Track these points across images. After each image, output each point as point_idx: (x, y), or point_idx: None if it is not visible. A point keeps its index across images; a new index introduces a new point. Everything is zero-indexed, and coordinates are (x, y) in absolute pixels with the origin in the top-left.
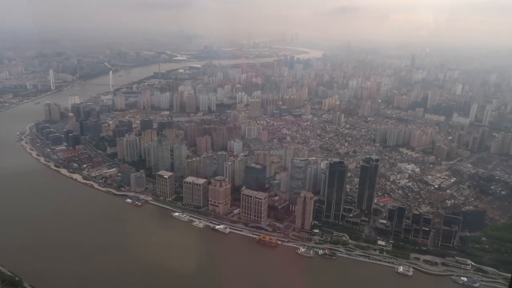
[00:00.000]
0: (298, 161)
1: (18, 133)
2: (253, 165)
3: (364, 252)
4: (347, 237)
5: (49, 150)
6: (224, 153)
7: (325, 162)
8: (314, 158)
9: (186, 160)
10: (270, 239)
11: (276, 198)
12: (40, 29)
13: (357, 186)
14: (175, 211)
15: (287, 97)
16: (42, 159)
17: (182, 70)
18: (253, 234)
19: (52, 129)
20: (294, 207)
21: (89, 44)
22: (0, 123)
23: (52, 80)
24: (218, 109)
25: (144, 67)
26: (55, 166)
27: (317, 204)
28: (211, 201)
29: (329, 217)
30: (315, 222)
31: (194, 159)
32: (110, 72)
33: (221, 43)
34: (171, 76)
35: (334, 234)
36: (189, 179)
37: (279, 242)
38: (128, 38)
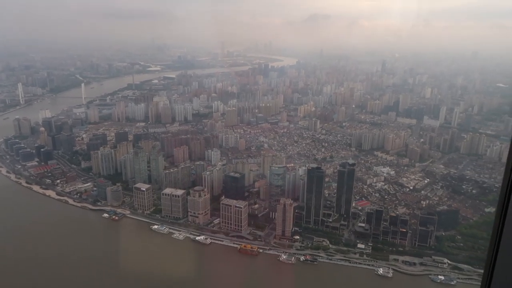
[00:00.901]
0: (276, 168)
1: None
2: (232, 174)
3: (344, 256)
4: (328, 242)
5: (19, 166)
6: (202, 163)
7: (303, 168)
8: (292, 164)
9: (163, 172)
10: (252, 247)
11: (256, 206)
12: (5, 42)
13: (335, 190)
14: (154, 224)
15: (263, 105)
16: (12, 176)
17: (156, 81)
18: (234, 243)
19: (23, 145)
20: (274, 215)
21: (59, 56)
22: None
23: (21, 94)
24: (195, 119)
25: (117, 78)
26: (27, 182)
27: (296, 211)
28: (190, 212)
29: (309, 223)
30: (296, 228)
31: (171, 170)
32: (82, 85)
33: (195, 53)
34: (145, 87)
35: (314, 240)
36: (167, 190)
37: (261, 251)
38: (99, 50)
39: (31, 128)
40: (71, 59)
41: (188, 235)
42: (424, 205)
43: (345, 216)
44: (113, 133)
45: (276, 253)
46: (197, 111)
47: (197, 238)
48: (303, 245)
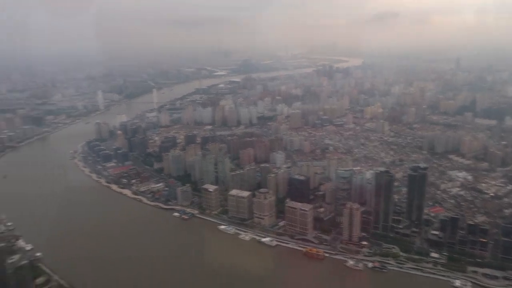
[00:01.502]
0: (343, 171)
1: (71, 151)
2: (297, 176)
3: (416, 265)
4: (398, 249)
5: (100, 167)
6: (267, 165)
7: (371, 171)
8: (359, 168)
9: (230, 173)
10: (317, 251)
11: (322, 209)
12: (86, 53)
13: (405, 196)
14: (221, 224)
15: (328, 106)
16: (94, 176)
17: (222, 85)
18: (299, 246)
19: (102, 147)
20: (341, 219)
21: (133, 64)
22: (55, 142)
23: (100, 100)
24: (259, 121)
25: (185, 83)
26: (106, 182)
27: (364, 215)
28: (256, 213)
29: (377, 229)
30: (363, 234)
31: (238, 172)
32: (154, 90)
33: (259, 57)
34: (212, 91)
35: (383, 246)
36: (234, 192)
37: (327, 255)
38: (169, 57)
39: (109, 132)
40: (144, 67)
41: (254, 236)
42: (507, 214)
43: (416, 222)
44: (182, 135)
45: (343, 258)
46: (261, 114)
47: (263, 239)
48: (371, 251)
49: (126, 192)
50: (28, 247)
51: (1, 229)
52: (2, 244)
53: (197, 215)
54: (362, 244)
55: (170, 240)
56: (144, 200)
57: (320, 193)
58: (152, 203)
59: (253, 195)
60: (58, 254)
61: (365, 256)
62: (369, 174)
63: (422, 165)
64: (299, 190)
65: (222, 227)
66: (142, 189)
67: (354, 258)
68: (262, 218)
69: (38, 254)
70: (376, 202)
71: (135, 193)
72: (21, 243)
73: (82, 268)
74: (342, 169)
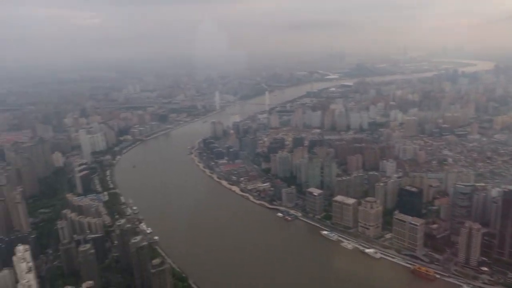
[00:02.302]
0: (462, 186)
1: (189, 147)
2: (408, 188)
3: None
4: None
5: (213, 163)
6: (375, 173)
7: (497, 189)
8: (483, 184)
9: (336, 179)
10: (427, 271)
11: (435, 226)
12: (207, 56)
13: None
14: (323, 229)
15: (449, 114)
16: (207, 171)
17: (333, 89)
18: (406, 262)
19: (216, 145)
20: (457, 239)
21: (248, 67)
22: (176, 138)
23: (217, 101)
24: (370, 127)
25: (297, 86)
26: (218, 178)
27: (486, 238)
28: (361, 222)
29: (502, 255)
30: (483, 258)
31: (344, 178)
32: (266, 93)
33: (373, 60)
34: (322, 95)
35: (508, 276)
36: (339, 198)
37: (438, 276)
38: (282, 60)
39: (223, 131)
40: (258, 70)
41: (357, 245)
42: None
43: None
44: (290, 138)
45: (457, 282)
46: (373, 120)
47: (367, 250)
48: (492, 279)
49: (235, 188)
50: (149, 230)
51: (128, 212)
52: (128, 225)
53: (300, 218)
54: (481, 269)
55: (274, 239)
56: (251, 198)
57: (434, 208)
58: (258, 202)
59: (359, 203)
60: (172, 239)
61: (484, 283)
62: (495, 192)
63: None
64: (410, 202)
65: (325, 232)
66: (249, 187)
67: (470, 283)
68: (367, 228)
69: (156, 237)
70: (502, 224)
71: (242, 190)
72: (143, 226)
73: (193, 256)
74: (462, 184)
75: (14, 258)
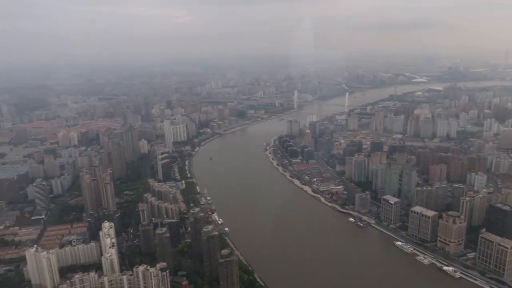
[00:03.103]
0: None
1: (264, 144)
2: (499, 205)
3: None
4: None
5: (286, 161)
6: (461, 186)
7: None
8: None
9: (415, 188)
10: None
11: None
12: (288, 55)
13: None
14: (398, 240)
15: None
16: (280, 169)
17: (420, 93)
18: (490, 286)
19: (291, 143)
20: None
21: (329, 67)
22: (252, 134)
23: (295, 100)
24: (459, 136)
25: (380, 89)
26: (290, 176)
27: None
28: (440, 237)
29: None
30: None
31: (425, 188)
32: (346, 94)
33: (468, 64)
34: (407, 99)
35: None
36: (417, 208)
37: None
38: (366, 61)
39: (299, 130)
40: (339, 70)
41: (434, 261)
42: None
43: None
44: (368, 141)
45: None
46: (462, 128)
47: (445, 267)
48: None
49: (307, 188)
50: (220, 221)
51: (202, 201)
52: (202, 214)
53: (373, 225)
54: None
55: (346, 246)
56: (322, 199)
57: None
58: (329, 204)
59: (440, 216)
60: (241, 233)
61: None
62: None
63: None
64: (500, 221)
65: (399, 243)
66: (321, 188)
67: None
68: (447, 244)
69: (226, 228)
70: None
71: (314, 191)
72: (214, 216)
73: (260, 251)
74: None
75: (101, 233)
